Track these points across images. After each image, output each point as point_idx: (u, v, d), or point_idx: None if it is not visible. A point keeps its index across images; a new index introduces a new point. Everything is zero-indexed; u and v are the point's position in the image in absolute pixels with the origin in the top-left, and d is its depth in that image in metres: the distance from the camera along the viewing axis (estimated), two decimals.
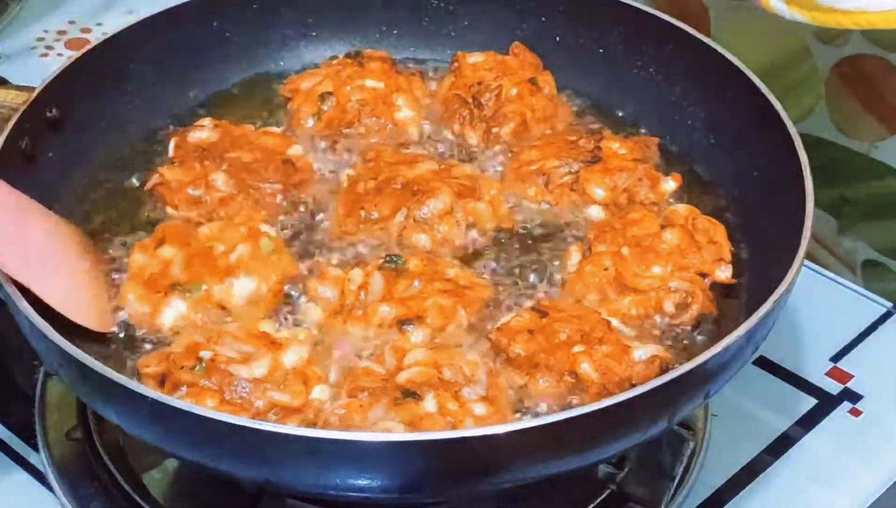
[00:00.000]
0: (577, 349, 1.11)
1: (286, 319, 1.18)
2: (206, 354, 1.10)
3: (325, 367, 1.13)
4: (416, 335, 1.14)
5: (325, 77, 1.39)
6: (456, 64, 1.40)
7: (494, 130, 1.35)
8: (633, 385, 1.08)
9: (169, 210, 1.27)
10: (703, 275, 1.19)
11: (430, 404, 1.06)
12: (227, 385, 1.08)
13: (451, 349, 1.13)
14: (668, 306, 1.17)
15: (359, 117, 1.37)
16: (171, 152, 1.31)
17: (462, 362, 1.11)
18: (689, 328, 1.17)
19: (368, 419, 1.05)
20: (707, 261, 1.20)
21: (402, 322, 1.15)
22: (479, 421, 1.06)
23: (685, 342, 1.17)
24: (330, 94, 1.37)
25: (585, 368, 1.10)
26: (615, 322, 1.16)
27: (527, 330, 1.13)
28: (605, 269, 1.19)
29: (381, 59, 1.40)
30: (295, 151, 1.32)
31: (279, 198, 1.27)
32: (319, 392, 1.11)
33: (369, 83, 1.38)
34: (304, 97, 1.38)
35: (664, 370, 1.10)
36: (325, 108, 1.37)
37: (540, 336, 1.13)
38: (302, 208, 1.28)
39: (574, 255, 1.22)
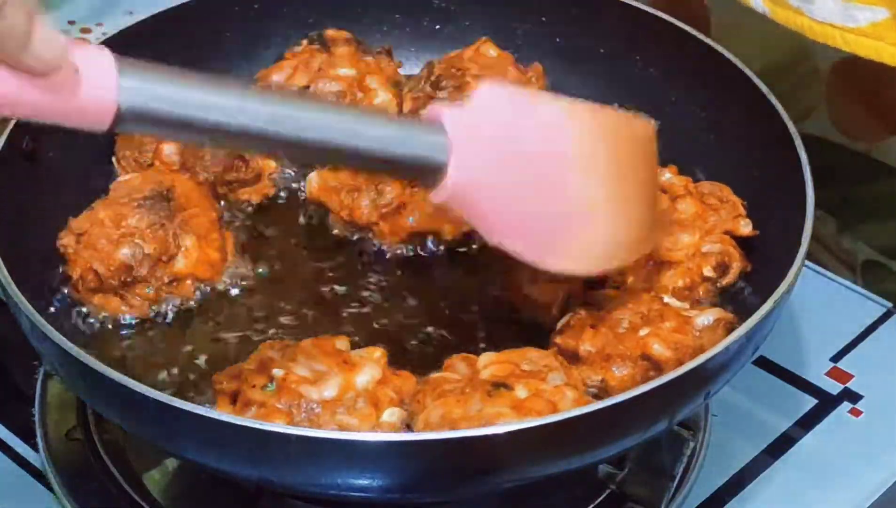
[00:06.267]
0: (643, 331, 1.12)
1: None
2: (278, 372, 1.08)
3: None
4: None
5: (295, 69, 1.37)
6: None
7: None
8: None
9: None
10: (728, 233, 1.20)
11: (522, 392, 1.05)
12: (297, 407, 1.06)
13: (518, 349, 1.12)
14: (708, 271, 1.18)
15: None
16: None
17: (534, 355, 1.10)
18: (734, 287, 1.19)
19: (470, 410, 1.04)
20: (727, 219, 1.21)
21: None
22: (575, 404, 1.05)
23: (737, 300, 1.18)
24: (306, 87, 1.35)
25: (658, 349, 1.10)
26: (666, 298, 1.16)
27: (589, 326, 1.13)
28: None
29: (346, 41, 1.38)
30: None
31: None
32: (390, 416, 1.08)
33: (342, 72, 1.36)
34: None
35: (730, 330, 1.10)
36: None
37: (604, 328, 1.13)
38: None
39: None
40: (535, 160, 0.99)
